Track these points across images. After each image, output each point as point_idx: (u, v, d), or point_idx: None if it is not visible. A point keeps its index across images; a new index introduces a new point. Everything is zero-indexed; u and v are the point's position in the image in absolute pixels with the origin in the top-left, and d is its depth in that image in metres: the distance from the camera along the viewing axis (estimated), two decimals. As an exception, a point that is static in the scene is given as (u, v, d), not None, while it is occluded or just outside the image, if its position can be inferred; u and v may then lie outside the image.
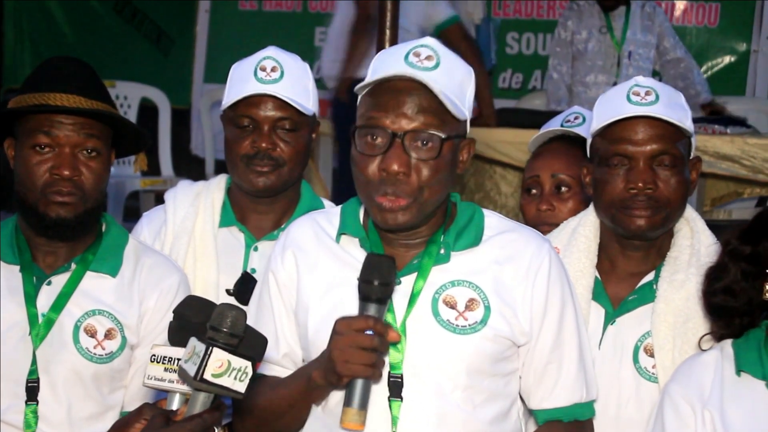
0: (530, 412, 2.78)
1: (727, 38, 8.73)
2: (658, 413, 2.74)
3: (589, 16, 7.07)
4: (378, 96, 2.60)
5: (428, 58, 2.62)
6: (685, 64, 7.13)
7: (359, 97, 2.68)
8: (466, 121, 2.67)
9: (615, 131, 2.98)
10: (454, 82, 2.63)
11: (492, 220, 2.76)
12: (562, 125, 3.71)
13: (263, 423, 2.76)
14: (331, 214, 2.82)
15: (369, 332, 2.47)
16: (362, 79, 2.65)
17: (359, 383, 2.49)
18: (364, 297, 2.50)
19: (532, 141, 3.74)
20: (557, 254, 2.77)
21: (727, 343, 2.73)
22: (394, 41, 4.77)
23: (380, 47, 4.87)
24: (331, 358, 2.49)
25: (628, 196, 2.96)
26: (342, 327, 2.49)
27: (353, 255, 2.70)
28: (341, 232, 2.74)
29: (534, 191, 3.58)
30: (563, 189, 3.54)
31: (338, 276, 2.70)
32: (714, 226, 3.14)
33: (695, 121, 3.14)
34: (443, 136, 2.58)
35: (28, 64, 9.84)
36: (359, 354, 2.46)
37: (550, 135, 3.69)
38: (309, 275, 2.73)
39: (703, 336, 2.80)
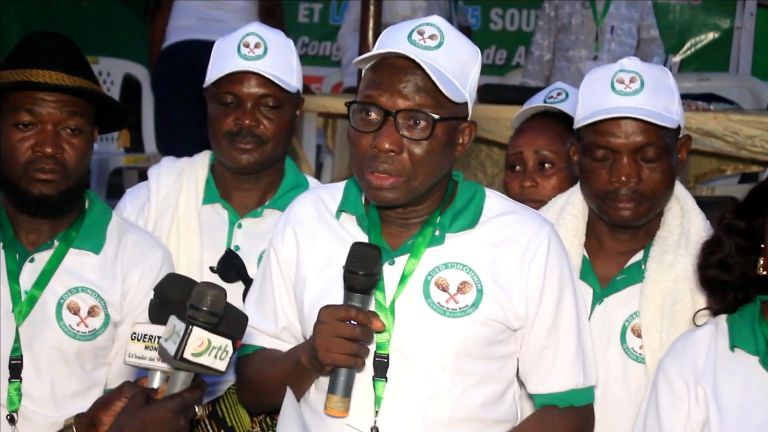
0: (528, 396, 2.78)
1: (711, 15, 8.73)
2: (652, 388, 2.76)
3: None
4: (377, 73, 2.60)
5: (432, 37, 2.61)
6: (652, 49, 7.12)
7: (362, 72, 2.67)
8: (466, 103, 2.65)
9: (599, 123, 2.95)
10: (455, 63, 2.61)
11: (493, 201, 2.74)
12: (545, 101, 3.71)
13: (261, 396, 2.81)
14: (335, 189, 2.82)
15: (352, 322, 2.49)
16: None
17: (343, 371, 2.51)
18: (349, 287, 2.51)
19: (515, 117, 3.74)
20: (558, 237, 2.74)
21: (722, 319, 2.75)
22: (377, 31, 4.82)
23: (363, 40, 4.92)
24: (314, 345, 2.52)
25: (611, 189, 2.95)
26: (325, 316, 2.51)
27: (351, 233, 2.71)
28: (341, 209, 2.75)
29: (517, 168, 3.58)
30: (547, 165, 3.54)
31: (335, 253, 2.69)
32: (698, 203, 3.13)
33: (681, 97, 3.12)
34: (436, 117, 2.56)
35: (15, 38, 9.78)
36: (341, 343, 2.49)
37: (533, 111, 3.69)
38: (308, 250, 2.75)
39: (698, 311, 2.81)
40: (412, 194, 2.61)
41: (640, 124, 2.92)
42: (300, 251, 2.76)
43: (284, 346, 2.80)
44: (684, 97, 5.61)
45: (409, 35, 2.61)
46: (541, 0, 7.26)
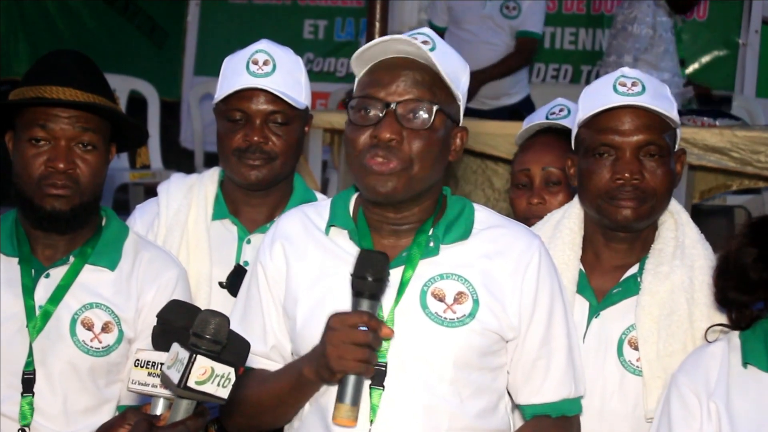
0: (517, 407, 2.78)
1: (716, 31, 8.73)
2: (664, 403, 2.77)
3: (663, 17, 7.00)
4: (374, 73, 2.65)
5: (425, 42, 2.65)
6: None
7: (357, 79, 2.71)
8: (459, 106, 2.69)
9: (601, 121, 2.98)
10: (449, 66, 2.66)
11: (482, 214, 2.76)
12: (547, 118, 3.72)
13: (252, 417, 2.77)
14: (320, 206, 2.83)
15: (363, 328, 2.48)
16: None
17: (351, 379, 2.50)
18: (357, 293, 2.51)
19: (519, 134, 3.75)
20: (547, 250, 2.77)
21: (735, 335, 2.76)
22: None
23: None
24: (325, 353, 2.50)
25: (614, 187, 2.96)
26: (336, 323, 2.50)
27: (342, 247, 2.71)
28: (330, 224, 2.75)
29: (524, 185, 3.59)
30: (554, 182, 3.55)
31: (327, 267, 2.70)
32: (712, 212, 3.14)
33: (684, 113, 3.15)
34: (436, 107, 2.61)
35: (22, 56, 9.83)
36: (353, 350, 2.47)
37: (536, 128, 3.71)
38: (298, 266, 2.74)
39: (710, 327, 2.83)
40: (411, 188, 2.63)
41: (643, 121, 2.95)
42: (290, 266, 2.75)
43: (273, 366, 2.77)
44: (690, 112, 5.64)
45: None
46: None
